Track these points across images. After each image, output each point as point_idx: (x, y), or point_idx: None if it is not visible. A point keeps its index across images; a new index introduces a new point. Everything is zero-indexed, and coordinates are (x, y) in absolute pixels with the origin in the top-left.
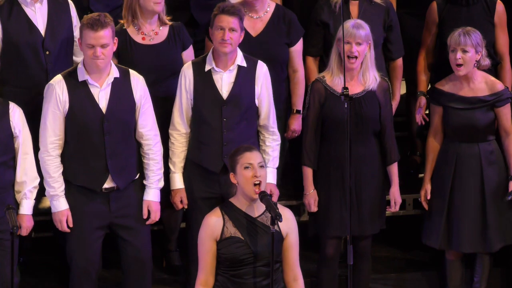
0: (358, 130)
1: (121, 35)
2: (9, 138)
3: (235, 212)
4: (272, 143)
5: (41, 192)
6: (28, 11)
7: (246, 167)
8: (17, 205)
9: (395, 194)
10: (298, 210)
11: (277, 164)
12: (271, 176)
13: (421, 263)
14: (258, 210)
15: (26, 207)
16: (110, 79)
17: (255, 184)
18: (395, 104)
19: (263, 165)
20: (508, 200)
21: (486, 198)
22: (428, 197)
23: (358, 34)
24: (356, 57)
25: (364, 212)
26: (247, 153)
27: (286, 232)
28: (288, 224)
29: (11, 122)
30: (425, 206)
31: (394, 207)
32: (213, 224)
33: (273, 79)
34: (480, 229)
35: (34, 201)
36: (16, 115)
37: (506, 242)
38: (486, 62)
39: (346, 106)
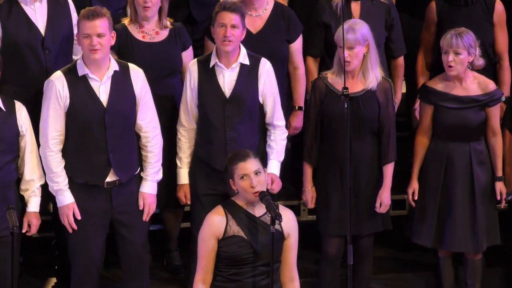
0: (356, 128)
1: (122, 32)
2: (16, 136)
3: (237, 211)
4: (277, 137)
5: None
6: (27, 10)
7: (242, 177)
8: (20, 203)
9: (382, 196)
10: (298, 210)
11: (281, 158)
12: (273, 167)
13: (419, 264)
14: (260, 210)
15: (35, 205)
16: (110, 73)
17: (253, 192)
18: (396, 103)
19: (260, 171)
20: (508, 199)
21: (475, 198)
22: (416, 197)
23: (347, 39)
24: (349, 62)
25: (362, 210)
26: (241, 164)
27: (288, 233)
28: (290, 224)
29: (18, 121)
30: (413, 204)
31: (379, 208)
32: (216, 222)
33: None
34: (469, 228)
35: (40, 198)
36: (23, 114)
37: (491, 243)
38: (480, 62)
39: (346, 106)
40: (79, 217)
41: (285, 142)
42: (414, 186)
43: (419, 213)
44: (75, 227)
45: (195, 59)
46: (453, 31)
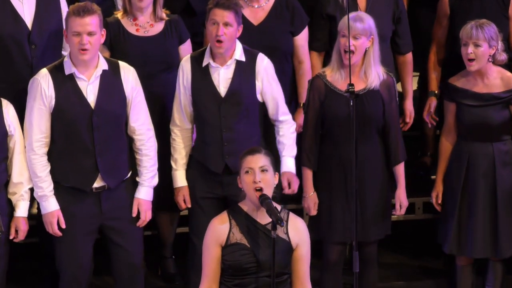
0: (361, 129)
1: (115, 25)
2: (4, 137)
3: (242, 218)
4: (285, 131)
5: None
6: (14, 2)
7: (247, 172)
8: (9, 207)
9: (400, 197)
10: (299, 214)
11: (294, 152)
12: (287, 165)
13: (431, 271)
14: (265, 218)
15: (24, 209)
16: (98, 72)
17: (256, 190)
18: (409, 101)
19: (267, 169)
20: None
21: (498, 201)
22: (439, 201)
23: (354, 27)
24: (352, 52)
25: (368, 216)
26: (248, 157)
27: (297, 243)
28: (300, 235)
29: (5, 120)
30: (438, 208)
31: (399, 210)
32: (219, 228)
33: (277, 71)
34: (491, 233)
35: (29, 202)
36: (10, 113)
37: None
38: (503, 57)
39: (351, 104)
40: (63, 225)
41: (294, 135)
42: (438, 189)
43: (442, 218)
44: (59, 234)
45: (188, 55)
46: (474, 22)
